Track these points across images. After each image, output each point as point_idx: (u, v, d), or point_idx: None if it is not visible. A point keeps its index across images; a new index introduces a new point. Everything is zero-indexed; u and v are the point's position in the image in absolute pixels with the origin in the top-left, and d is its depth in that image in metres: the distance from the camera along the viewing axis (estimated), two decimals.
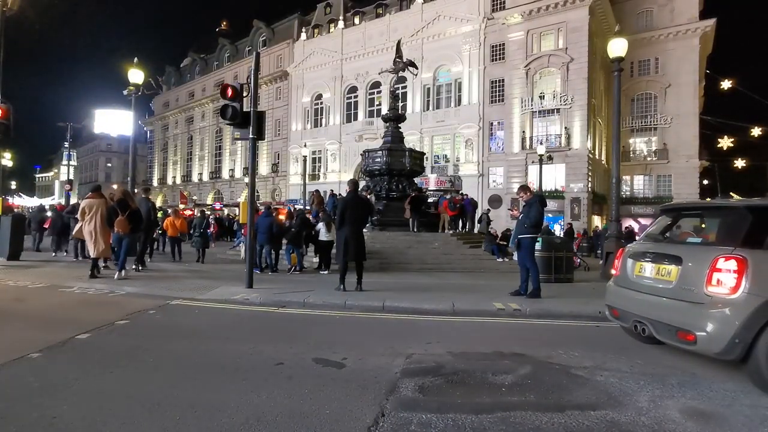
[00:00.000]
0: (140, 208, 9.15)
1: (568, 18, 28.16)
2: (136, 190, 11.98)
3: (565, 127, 28.19)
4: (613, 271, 4.62)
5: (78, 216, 8.90)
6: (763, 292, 3.21)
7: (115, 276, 8.24)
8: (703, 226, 4.77)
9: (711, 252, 3.56)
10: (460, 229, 15.88)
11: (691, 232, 5.11)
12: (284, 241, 10.55)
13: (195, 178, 53.42)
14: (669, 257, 3.86)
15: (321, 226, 10.37)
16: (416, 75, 22.79)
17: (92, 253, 8.31)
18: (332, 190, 19.78)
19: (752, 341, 3.19)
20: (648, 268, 4.06)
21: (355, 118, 38.31)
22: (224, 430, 2.56)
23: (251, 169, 7.94)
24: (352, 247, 7.37)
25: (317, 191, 14.10)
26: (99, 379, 3.35)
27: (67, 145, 31.38)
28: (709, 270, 3.42)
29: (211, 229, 19.59)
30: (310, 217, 11.64)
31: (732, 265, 3.32)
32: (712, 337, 3.33)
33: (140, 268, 9.78)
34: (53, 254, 12.86)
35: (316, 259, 10.96)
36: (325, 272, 10.18)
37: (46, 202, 32.91)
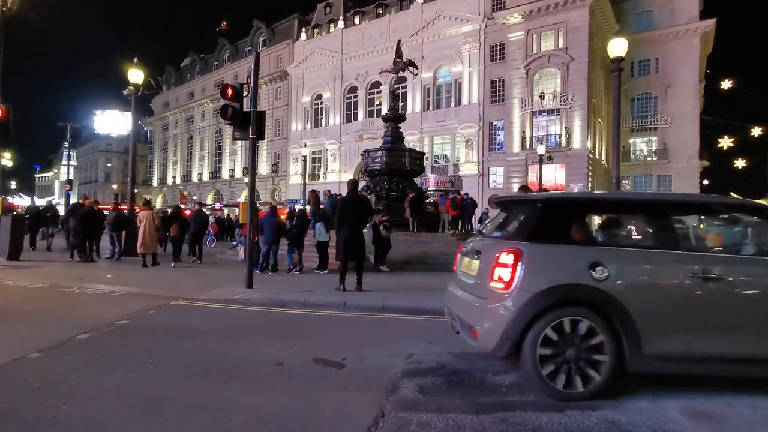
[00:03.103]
0: (197, 217, 12.69)
1: (568, 18, 28.13)
2: (136, 190, 12.10)
3: (565, 127, 28.18)
4: (454, 268, 4.32)
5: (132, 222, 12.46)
6: (532, 287, 3.09)
7: (172, 264, 11.01)
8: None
9: (499, 246, 3.43)
10: (459, 229, 15.88)
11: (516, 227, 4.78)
12: (285, 241, 10.56)
13: (195, 178, 53.38)
14: (474, 252, 3.72)
15: (320, 226, 10.37)
16: (416, 75, 22.79)
17: (139, 250, 10.70)
18: (329, 190, 19.80)
19: (519, 338, 3.08)
20: (464, 264, 3.91)
21: (355, 118, 38.29)
22: (224, 430, 2.57)
23: (251, 169, 7.93)
24: (351, 247, 7.37)
25: (313, 191, 14.11)
26: (99, 379, 3.35)
27: (67, 145, 31.42)
28: (493, 264, 3.29)
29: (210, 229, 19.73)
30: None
31: (509, 259, 3.19)
32: (487, 333, 3.22)
33: (200, 261, 12.18)
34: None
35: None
36: (325, 272, 10.18)
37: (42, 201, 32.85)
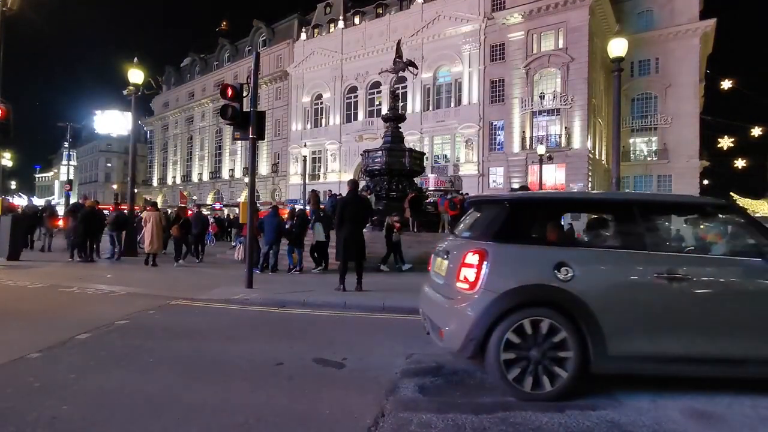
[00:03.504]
0: (199, 219, 13.21)
1: (568, 18, 28.14)
2: (136, 190, 12.13)
3: (565, 127, 28.19)
4: (428, 268, 4.23)
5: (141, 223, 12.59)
6: (497, 287, 3.07)
7: (174, 264, 11.12)
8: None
9: (466, 246, 3.39)
10: None
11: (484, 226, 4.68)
12: (285, 241, 10.57)
13: (195, 178, 53.38)
14: (444, 252, 3.70)
15: (318, 226, 10.36)
16: (416, 75, 22.78)
17: (147, 249, 11.00)
18: (330, 190, 19.79)
19: (484, 339, 3.06)
20: (436, 264, 3.88)
21: (355, 118, 38.31)
22: (224, 430, 2.57)
23: (251, 169, 7.93)
24: (351, 247, 7.36)
25: (314, 191, 14.12)
26: (99, 379, 3.35)
27: (67, 145, 31.42)
28: (459, 264, 3.27)
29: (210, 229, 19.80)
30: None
31: (474, 259, 3.17)
32: (452, 333, 3.20)
33: (200, 259, 12.65)
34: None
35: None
36: (318, 270, 10.20)
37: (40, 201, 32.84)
